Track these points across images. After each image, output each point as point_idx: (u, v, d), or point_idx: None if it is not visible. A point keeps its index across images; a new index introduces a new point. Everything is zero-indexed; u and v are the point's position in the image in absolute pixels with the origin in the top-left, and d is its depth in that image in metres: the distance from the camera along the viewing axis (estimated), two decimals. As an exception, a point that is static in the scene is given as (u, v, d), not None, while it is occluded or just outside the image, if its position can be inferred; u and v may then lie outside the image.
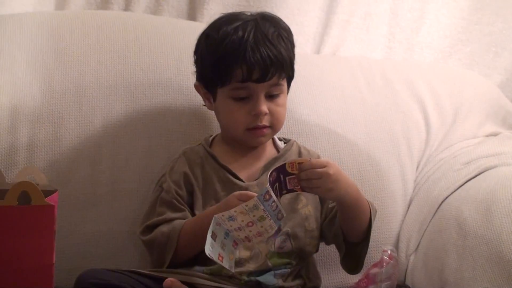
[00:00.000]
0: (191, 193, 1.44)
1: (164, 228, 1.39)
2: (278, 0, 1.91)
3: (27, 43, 1.61)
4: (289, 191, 1.31)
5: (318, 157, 1.55)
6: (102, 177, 1.54)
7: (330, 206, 1.47)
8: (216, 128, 1.57)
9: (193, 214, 1.42)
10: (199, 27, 1.64)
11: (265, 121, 1.42)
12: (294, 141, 1.55)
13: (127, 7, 1.87)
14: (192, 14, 1.90)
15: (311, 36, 1.97)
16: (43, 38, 1.63)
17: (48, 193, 1.22)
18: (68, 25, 1.66)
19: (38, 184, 1.23)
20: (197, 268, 1.37)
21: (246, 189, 1.40)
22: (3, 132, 1.51)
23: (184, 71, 1.63)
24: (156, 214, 1.42)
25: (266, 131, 1.44)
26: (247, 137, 1.44)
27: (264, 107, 1.41)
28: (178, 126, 1.60)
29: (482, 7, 2.06)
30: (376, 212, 1.45)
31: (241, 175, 1.45)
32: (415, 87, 1.83)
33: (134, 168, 1.56)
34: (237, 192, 1.31)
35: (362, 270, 1.48)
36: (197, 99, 1.60)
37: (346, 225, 1.42)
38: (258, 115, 1.41)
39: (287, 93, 1.49)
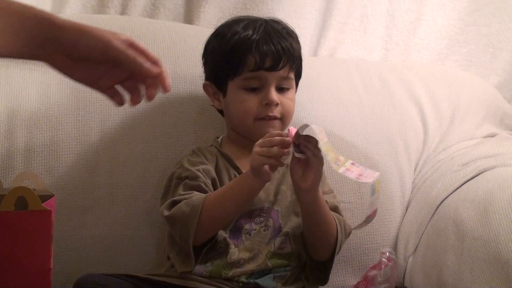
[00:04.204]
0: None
1: (186, 201, 1.33)
2: (275, 3, 1.90)
3: (23, 48, 1.61)
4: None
5: None
6: (100, 182, 1.54)
7: None
8: (213, 132, 1.57)
9: None
10: (195, 30, 1.64)
11: (276, 112, 1.43)
12: None
13: (123, 10, 1.86)
14: (188, 18, 1.90)
15: (308, 39, 1.96)
16: (40, 43, 1.62)
17: (45, 198, 1.22)
18: (65, 30, 1.66)
19: (35, 189, 1.23)
20: (197, 268, 1.36)
21: None
22: (0, 137, 1.51)
23: (180, 74, 1.63)
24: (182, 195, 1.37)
25: (276, 122, 1.44)
26: (256, 127, 1.44)
27: (275, 96, 1.43)
28: (176, 129, 1.60)
29: (479, 8, 2.06)
30: (349, 234, 1.43)
31: None
32: (412, 89, 1.82)
33: (131, 172, 1.55)
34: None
35: (361, 273, 1.48)
36: (194, 102, 1.60)
37: (310, 240, 1.39)
38: (269, 104, 1.42)
39: (295, 91, 1.50)
